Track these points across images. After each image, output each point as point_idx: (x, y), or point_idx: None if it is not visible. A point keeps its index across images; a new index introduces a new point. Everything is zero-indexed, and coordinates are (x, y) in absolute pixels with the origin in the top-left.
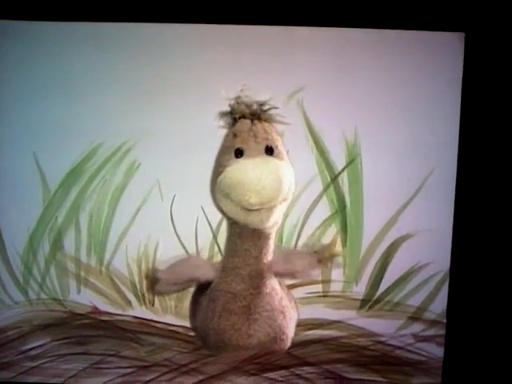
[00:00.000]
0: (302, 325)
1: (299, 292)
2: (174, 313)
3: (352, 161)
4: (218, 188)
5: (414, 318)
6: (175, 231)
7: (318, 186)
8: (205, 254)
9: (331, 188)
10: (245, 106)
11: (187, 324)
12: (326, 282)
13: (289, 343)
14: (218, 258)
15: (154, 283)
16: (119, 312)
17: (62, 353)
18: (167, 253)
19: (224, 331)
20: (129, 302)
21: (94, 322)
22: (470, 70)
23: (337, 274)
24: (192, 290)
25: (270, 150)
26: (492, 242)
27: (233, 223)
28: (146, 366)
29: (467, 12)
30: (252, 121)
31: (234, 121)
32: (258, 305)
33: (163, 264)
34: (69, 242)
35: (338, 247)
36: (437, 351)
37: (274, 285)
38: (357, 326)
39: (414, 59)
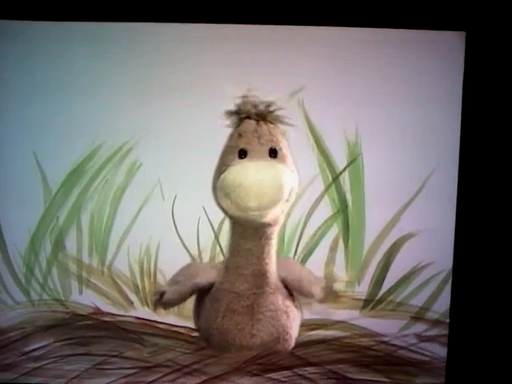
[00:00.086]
0: (304, 325)
1: None
2: (176, 313)
3: (353, 160)
4: (219, 187)
5: (417, 317)
6: (177, 231)
7: (319, 186)
8: (206, 255)
9: (333, 187)
10: (251, 105)
11: (190, 324)
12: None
13: (292, 343)
14: (220, 258)
15: (160, 298)
16: (121, 313)
17: (65, 354)
18: (169, 253)
19: (228, 331)
20: (131, 303)
21: (97, 323)
22: (471, 68)
23: (339, 273)
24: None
25: (273, 152)
26: (494, 240)
27: (235, 222)
28: (149, 366)
29: (468, 11)
30: (257, 122)
31: (240, 121)
32: (261, 304)
33: (165, 264)
34: (70, 243)
35: (343, 283)
36: (440, 351)
37: (277, 285)
38: (360, 326)
39: (414, 58)
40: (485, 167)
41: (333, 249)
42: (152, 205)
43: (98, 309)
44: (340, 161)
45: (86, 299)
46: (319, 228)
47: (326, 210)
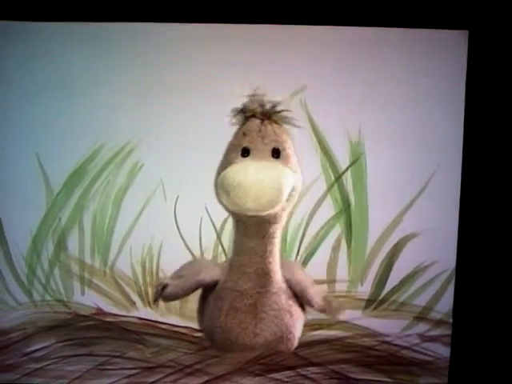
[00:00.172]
0: (307, 325)
1: None
2: (178, 313)
3: (356, 160)
4: (219, 183)
5: (420, 317)
6: (179, 231)
7: (322, 186)
8: (209, 255)
9: (335, 187)
10: (258, 104)
11: (192, 325)
12: (331, 281)
13: (296, 343)
14: (223, 258)
15: (162, 290)
16: (124, 313)
17: (67, 354)
18: (171, 253)
19: (231, 329)
20: (133, 303)
21: (99, 324)
22: (474, 68)
23: (342, 273)
24: (199, 291)
25: (276, 153)
26: (497, 240)
27: (238, 220)
28: (151, 367)
29: (471, 9)
30: (262, 121)
31: (246, 119)
32: (264, 304)
33: (167, 264)
34: (73, 243)
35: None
36: (443, 351)
37: (281, 284)
38: (362, 326)
39: (417, 58)
40: (487, 167)
41: (335, 249)
42: (154, 205)
43: (101, 309)
44: (342, 161)
45: (89, 300)
46: (322, 228)
47: (328, 209)
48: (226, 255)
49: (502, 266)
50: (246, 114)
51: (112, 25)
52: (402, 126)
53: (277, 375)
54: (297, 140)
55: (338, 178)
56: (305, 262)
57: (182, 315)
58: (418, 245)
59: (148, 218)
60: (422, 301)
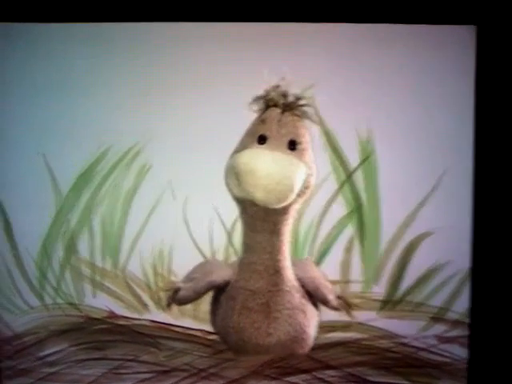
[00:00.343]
0: (322, 327)
1: None
2: (192, 316)
3: (366, 158)
4: (231, 163)
5: (437, 318)
6: (189, 233)
7: (332, 185)
8: (220, 256)
9: (346, 186)
10: (280, 94)
11: (206, 327)
12: (345, 282)
13: (310, 343)
14: (234, 259)
15: (174, 294)
16: (136, 316)
17: (80, 358)
18: (182, 254)
19: (244, 329)
20: (145, 306)
21: (112, 327)
22: (483, 64)
23: (355, 274)
24: (212, 291)
25: (292, 144)
26: None
27: (244, 213)
28: (166, 370)
29: (478, 4)
30: (283, 111)
31: (266, 107)
32: (278, 303)
33: (178, 266)
34: (83, 246)
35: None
36: (461, 352)
37: (293, 282)
38: (378, 327)
39: (425, 54)
40: (500, 164)
41: (348, 249)
42: (163, 206)
43: (113, 312)
44: (353, 159)
45: (100, 303)
46: (334, 228)
47: (340, 209)
48: (237, 256)
49: None
50: (267, 103)
51: (117, 25)
52: (413, 123)
53: (293, 378)
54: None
55: (349, 176)
56: (317, 263)
57: (196, 317)
58: (432, 243)
59: (158, 220)
60: (438, 301)
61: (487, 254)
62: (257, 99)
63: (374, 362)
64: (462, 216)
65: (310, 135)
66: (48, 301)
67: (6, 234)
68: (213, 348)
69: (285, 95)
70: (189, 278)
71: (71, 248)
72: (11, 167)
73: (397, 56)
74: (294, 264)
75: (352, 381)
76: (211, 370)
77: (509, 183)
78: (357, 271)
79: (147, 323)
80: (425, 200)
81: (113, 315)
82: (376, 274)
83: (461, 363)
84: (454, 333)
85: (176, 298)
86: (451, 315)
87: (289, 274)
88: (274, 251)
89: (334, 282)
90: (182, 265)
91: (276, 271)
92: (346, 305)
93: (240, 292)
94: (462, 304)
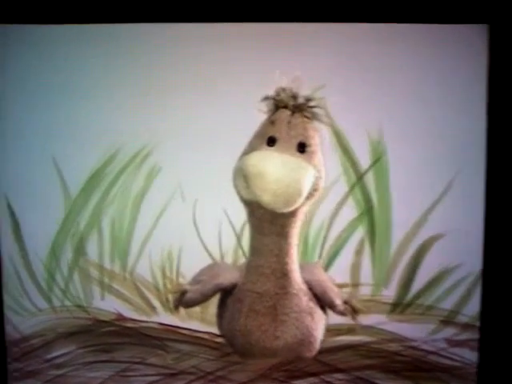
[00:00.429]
0: (330, 330)
1: None
2: (199, 318)
3: (377, 159)
4: (240, 165)
5: (447, 321)
6: (199, 235)
7: (343, 187)
8: (229, 259)
9: (357, 188)
10: (291, 96)
11: (213, 330)
12: (355, 285)
13: (317, 346)
14: (243, 261)
15: (181, 296)
16: (144, 318)
17: (88, 361)
18: (191, 257)
19: (251, 332)
20: (153, 308)
21: (119, 329)
22: (496, 63)
23: (366, 277)
24: (219, 294)
25: (302, 147)
26: None
27: (251, 215)
28: (173, 373)
29: (490, 3)
30: (293, 113)
31: (276, 109)
32: (285, 306)
33: (187, 269)
34: (91, 248)
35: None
36: (471, 356)
37: (301, 285)
38: (387, 330)
39: (437, 54)
40: None
41: (358, 251)
42: (173, 209)
43: (121, 315)
44: (364, 160)
45: (108, 305)
46: (344, 230)
47: (350, 211)
48: (246, 258)
49: None
50: (277, 104)
51: (126, 26)
52: (424, 124)
53: (301, 382)
54: (321, 140)
55: (360, 178)
56: (327, 266)
57: (204, 320)
58: (443, 246)
59: (167, 222)
60: (448, 304)
61: (499, 257)
62: (266, 99)
63: (382, 365)
64: (474, 218)
65: (319, 137)
66: (56, 303)
67: (14, 236)
68: (220, 351)
69: (295, 97)
70: (196, 280)
71: (80, 250)
72: (21, 169)
73: (409, 56)
74: (302, 267)
75: None
76: (218, 373)
77: None
78: (367, 274)
79: (155, 326)
80: (436, 202)
81: (121, 317)
82: (386, 277)
83: (471, 367)
84: (464, 336)
85: (183, 300)
86: (461, 318)
87: (296, 277)
88: (281, 254)
89: (343, 285)
90: (191, 267)
91: (283, 274)
92: (352, 310)
93: (247, 295)
94: (473, 307)
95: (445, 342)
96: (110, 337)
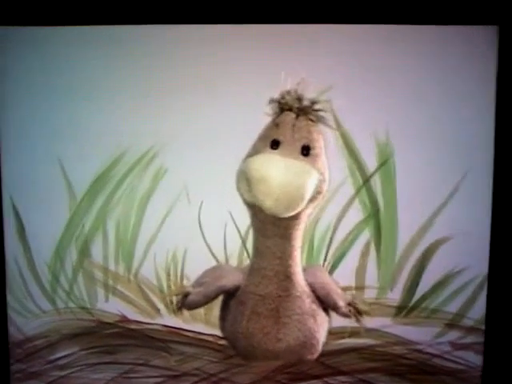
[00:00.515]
0: (335, 333)
1: None
2: (203, 321)
3: (384, 162)
4: (243, 168)
5: (452, 324)
6: (204, 237)
7: (349, 189)
8: (234, 261)
9: (363, 191)
10: (296, 98)
11: (217, 332)
12: (360, 288)
13: (320, 348)
14: (247, 263)
15: (184, 298)
16: (148, 320)
17: (91, 362)
18: (196, 259)
19: (253, 335)
20: (158, 311)
21: (123, 331)
22: (505, 64)
23: (371, 279)
24: (222, 296)
25: (306, 150)
26: None
27: (253, 216)
28: (176, 375)
29: (500, 4)
30: (297, 116)
31: (281, 111)
32: (288, 308)
33: (192, 271)
34: (96, 250)
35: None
36: (476, 359)
37: (304, 288)
38: (392, 333)
39: (445, 56)
40: None
41: (364, 254)
42: (178, 211)
43: (125, 317)
44: (370, 163)
45: (112, 307)
46: (350, 233)
47: (356, 214)
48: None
49: None
50: (282, 107)
51: (131, 27)
52: (431, 126)
53: None
54: (326, 143)
55: (366, 181)
56: (333, 268)
57: (208, 322)
58: (449, 249)
59: (172, 224)
60: (453, 307)
61: (504, 261)
62: (272, 102)
63: (387, 368)
64: (480, 221)
65: (324, 140)
66: (60, 305)
67: (19, 237)
68: (224, 353)
69: (300, 99)
70: (199, 282)
71: (84, 252)
72: (26, 171)
73: (417, 57)
74: (305, 270)
75: None
76: (222, 375)
77: None
78: (372, 277)
79: (159, 328)
80: (443, 205)
81: (124, 319)
82: (392, 280)
83: (475, 370)
84: (469, 340)
85: (185, 302)
86: (466, 322)
87: (299, 279)
88: (284, 256)
89: (348, 288)
90: (196, 269)
91: (286, 276)
92: (356, 312)
93: (250, 297)
94: (478, 310)
95: (449, 345)
96: (114, 338)
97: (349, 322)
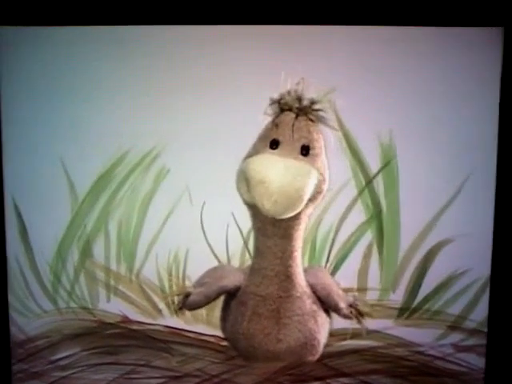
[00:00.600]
0: (336, 335)
1: None
2: (205, 321)
3: (387, 163)
4: (242, 168)
5: (454, 326)
6: (205, 238)
7: (352, 190)
8: (236, 262)
9: (366, 192)
10: (295, 98)
11: (219, 333)
12: (362, 289)
13: (320, 349)
14: (249, 264)
15: (185, 299)
16: (149, 321)
17: (92, 363)
18: (198, 260)
19: (254, 336)
20: (159, 311)
21: (125, 332)
22: (509, 66)
23: (373, 281)
24: (223, 297)
25: (305, 149)
26: None
27: (253, 216)
28: (178, 376)
29: (506, 5)
30: (297, 116)
31: (281, 111)
32: (288, 309)
33: (194, 271)
34: (98, 250)
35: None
36: (478, 362)
37: (304, 288)
38: (394, 335)
39: (450, 57)
40: None
41: (366, 256)
42: (180, 211)
43: (126, 317)
44: (373, 164)
45: (114, 307)
46: (352, 234)
47: (359, 215)
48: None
49: None
50: (282, 107)
51: (134, 28)
52: (434, 128)
53: None
54: (326, 143)
55: (369, 182)
56: (335, 270)
57: (209, 323)
58: (451, 251)
59: (174, 225)
60: (456, 309)
61: (507, 263)
62: (272, 103)
63: (389, 370)
64: (483, 223)
65: (324, 140)
66: (61, 305)
67: (21, 237)
68: (225, 354)
69: (299, 99)
70: (200, 282)
71: (86, 252)
72: (28, 171)
73: (420, 58)
74: (306, 270)
75: None
76: (224, 376)
77: None
78: (375, 278)
79: (161, 328)
80: (445, 207)
81: (126, 320)
82: (394, 282)
83: (478, 373)
84: (472, 342)
85: (186, 302)
86: (469, 324)
87: (300, 280)
88: (285, 256)
89: (350, 290)
90: (198, 270)
91: (287, 277)
92: (357, 313)
93: (250, 298)
94: (481, 313)
95: (452, 347)
96: (115, 339)
97: (350, 324)
